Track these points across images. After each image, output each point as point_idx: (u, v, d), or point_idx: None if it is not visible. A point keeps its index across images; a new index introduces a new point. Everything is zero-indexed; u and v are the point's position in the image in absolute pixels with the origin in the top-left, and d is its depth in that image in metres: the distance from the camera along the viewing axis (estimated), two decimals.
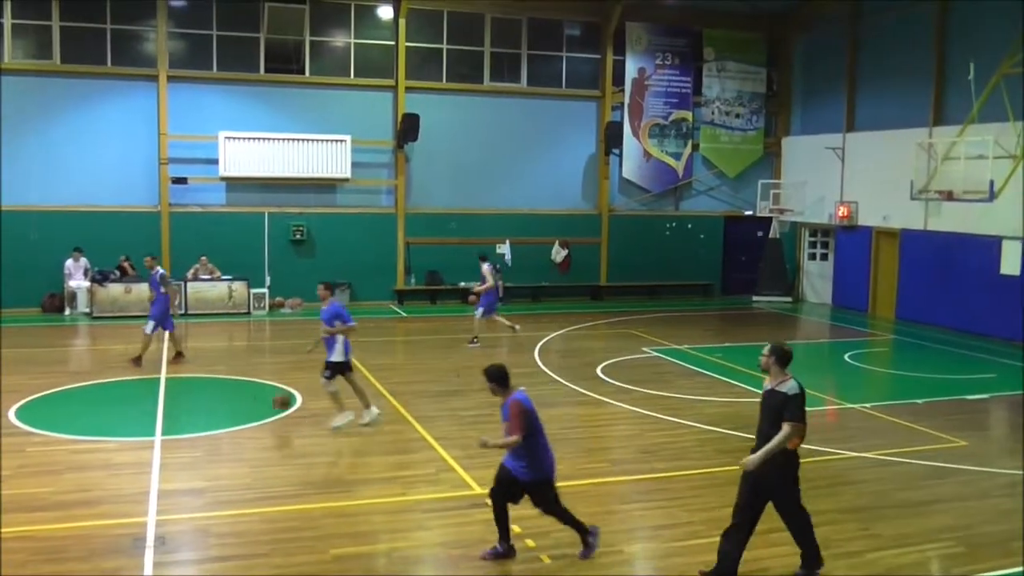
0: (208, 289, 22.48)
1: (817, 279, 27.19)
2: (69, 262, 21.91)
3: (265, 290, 23.19)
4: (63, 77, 22.40)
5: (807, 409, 7.32)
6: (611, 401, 14.08)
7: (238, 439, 11.74)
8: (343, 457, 10.98)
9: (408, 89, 24.62)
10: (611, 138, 26.38)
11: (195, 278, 22.50)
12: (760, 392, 7.59)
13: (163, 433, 11.72)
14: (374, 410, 12.56)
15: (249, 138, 23.16)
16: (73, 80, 22.46)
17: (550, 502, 7.97)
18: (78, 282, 21.89)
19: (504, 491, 7.96)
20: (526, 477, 7.86)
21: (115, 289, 21.71)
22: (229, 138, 22.93)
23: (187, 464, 10.61)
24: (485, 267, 19.36)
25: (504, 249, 25.48)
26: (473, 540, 8.36)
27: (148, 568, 7.69)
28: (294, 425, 12.49)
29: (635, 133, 26.85)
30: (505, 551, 7.98)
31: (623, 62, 26.57)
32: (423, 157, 24.97)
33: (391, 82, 24.61)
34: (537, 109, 26.04)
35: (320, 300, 12.75)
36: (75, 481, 9.93)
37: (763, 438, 7.27)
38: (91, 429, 11.91)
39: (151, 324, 16.21)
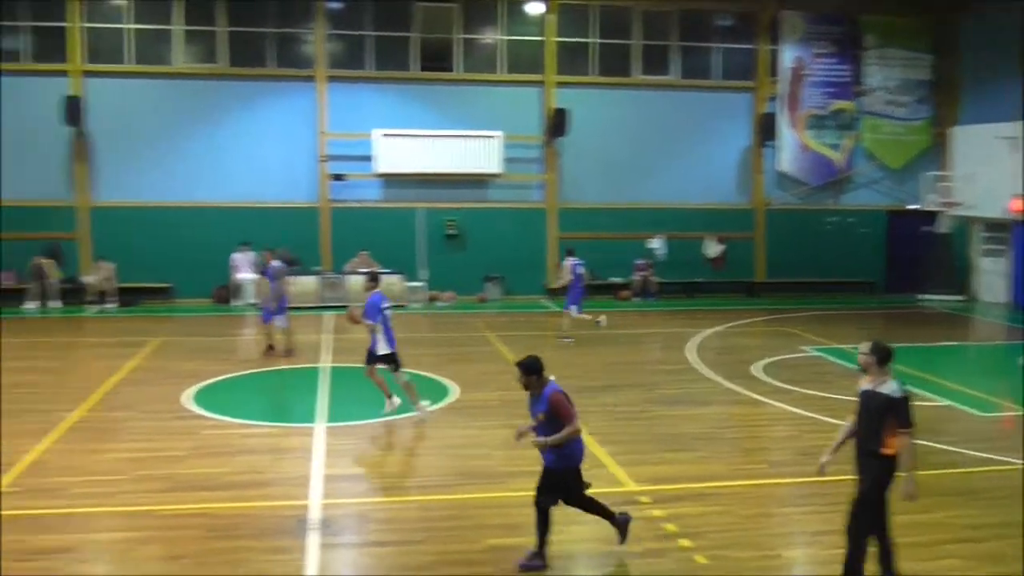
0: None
1: (993, 277, 25.64)
2: (237, 255, 23.03)
3: (421, 283, 23.74)
4: (229, 80, 23.61)
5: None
6: (768, 401, 13.71)
7: (396, 428, 12.05)
8: (497, 449, 11.10)
9: (558, 84, 24.71)
10: (766, 130, 25.73)
11: (354, 271, 23.24)
12: (907, 394, 7.03)
13: (327, 420, 12.15)
14: (396, 400, 12.40)
15: (403, 135, 23.76)
16: (238, 82, 23.64)
17: (574, 491, 7.82)
18: (244, 275, 22.97)
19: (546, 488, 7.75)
20: (554, 465, 7.71)
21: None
22: (384, 135, 23.58)
23: (348, 451, 10.98)
24: (567, 262, 19.09)
25: (656, 244, 25.21)
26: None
27: (312, 549, 7.99)
28: (449, 416, 12.72)
29: (791, 124, 26.09)
30: (534, 561, 7.68)
31: (778, 52, 25.85)
32: (573, 152, 24.99)
33: (540, 77, 24.75)
34: (688, 101, 25.66)
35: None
36: (245, 463, 10.43)
37: (863, 443, 6.90)
38: (259, 414, 12.49)
39: (282, 318, 16.69)
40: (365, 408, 12.85)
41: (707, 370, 15.90)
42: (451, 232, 24.47)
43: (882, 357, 6.90)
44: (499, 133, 24.10)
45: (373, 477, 9.97)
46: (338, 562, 7.92)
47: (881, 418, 6.76)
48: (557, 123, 24.24)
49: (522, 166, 24.91)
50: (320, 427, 11.89)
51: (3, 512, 8.82)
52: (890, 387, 6.80)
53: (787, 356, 17.29)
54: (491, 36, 24.84)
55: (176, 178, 23.44)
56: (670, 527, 8.37)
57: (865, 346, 7.10)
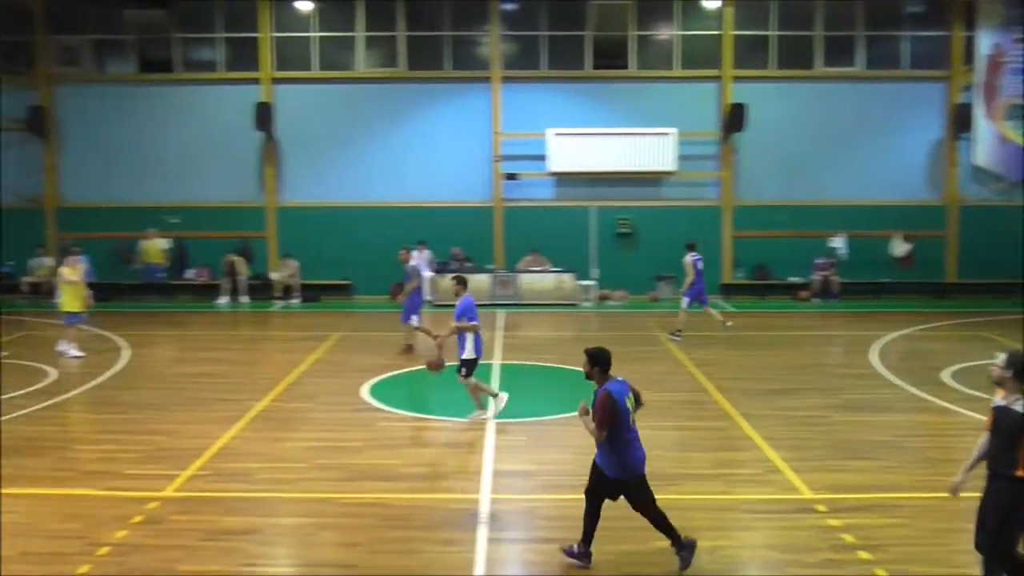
0: (538, 281, 23.32)
1: None
2: (414, 253, 23.64)
3: (592, 282, 23.68)
4: (407, 83, 24.28)
5: None
6: (958, 409, 12.84)
7: (565, 426, 12.01)
8: (667, 451, 10.89)
9: (735, 78, 24.08)
10: (960, 121, 24.19)
11: (526, 270, 23.44)
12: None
13: (496, 416, 12.26)
14: (503, 395, 12.17)
15: (576, 134, 23.75)
16: (415, 85, 24.28)
17: (640, 503, 7.56)
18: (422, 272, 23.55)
19: (596, 488, 7.63)
20: (611, 475, 7.50)
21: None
22: (557, 134, 23.64)
23: (517, 447, 11.04)
24: (688, 258, 18.43)
25: (839, 242, 24.13)
26: (801, 546, 7.97)
27: (481, 543, 8.06)
28: None
29: (988, 115, 24.40)
30: (579, 553, 7.61)
31: (974, 38, 24.23)
32: (750, 148, 24.31)
33: (717, 72, 24.19)
34: (873, 93, 24.44)
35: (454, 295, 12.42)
36: (418, 456, 10.67)
37: (994, 463, 6.35)
38: (432, 409, 12.75)
39: (413, 317, 16.70)
40: (535, 405, 12.89)
41: (891, 375, 15.07)
42: (623, 231, 24.28)
43: (1020, 371, 6.29)
44: (673, 130, 23.71)
45: (542, 474, 9.97)
46: (506, 557, 7.95)
47: (1015, 437, 6.21)
48: (734, 118, 23.64)
49: (697, 163, 24.43)
50: (490, 423, 12.01)
51: (196, 493, 9.36)
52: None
53: (980, 362, 16.15)
54: (666, 32, 24.48)
55: (356, 179, 24.35)
56: (848, 538, 7.97)
57: (1001, 358, 6.46)
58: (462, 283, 12.39)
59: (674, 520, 8.65)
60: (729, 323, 18.76)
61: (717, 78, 24.23)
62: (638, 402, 7.79)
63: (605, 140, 23.87)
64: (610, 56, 24.37)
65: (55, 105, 24.60)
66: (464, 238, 23.90)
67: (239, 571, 7.59)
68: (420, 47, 24.35)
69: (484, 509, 8.85)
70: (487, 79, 24.18)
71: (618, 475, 7.52)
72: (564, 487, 9.54)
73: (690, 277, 18.47)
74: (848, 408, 12.85)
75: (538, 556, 7.88)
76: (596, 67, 24.34)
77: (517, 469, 10.19)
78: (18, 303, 22.70)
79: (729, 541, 8.28)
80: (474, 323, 12.03)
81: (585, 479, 9.80)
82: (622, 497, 7.63)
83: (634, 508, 7.69)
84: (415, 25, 24.23)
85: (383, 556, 7.83)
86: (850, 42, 24.42)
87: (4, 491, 9.47)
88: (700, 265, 18.57)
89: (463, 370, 12.09)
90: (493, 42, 24.15)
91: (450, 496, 9.28)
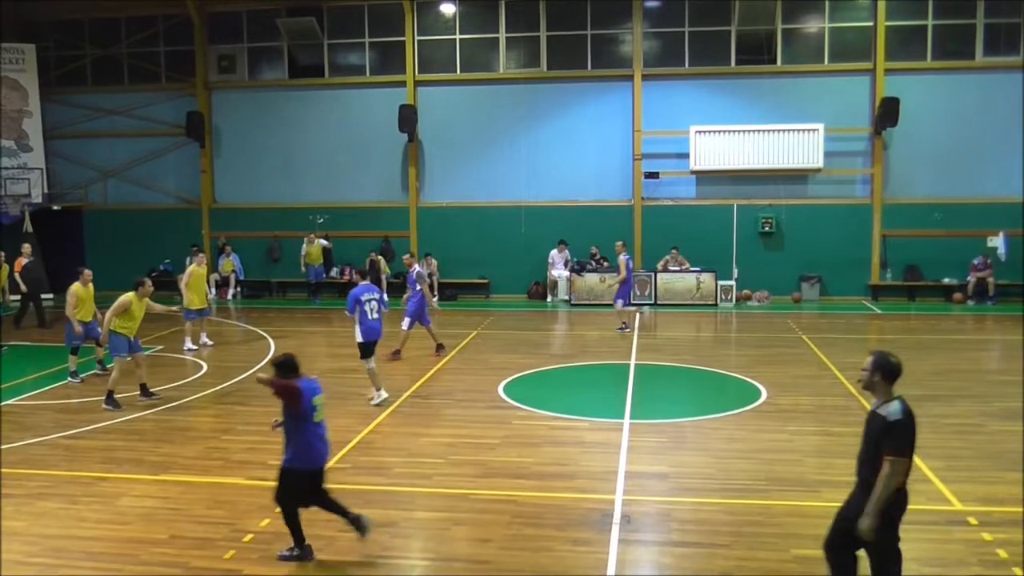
0: (677, 280, 22.97)
1: None
2: (554, 252, 23.71)
3: (732, 282, 23.16)
4: (548, 83, 24.32)
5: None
6: None
7: (702, 428, 11.78)
8: (809, 456, 10.52)
9: (888, 71, 23.07)
10: None
11: (665, 269, 23.12)
12: None
13: (631, 417, 12.13)
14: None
15: (719, 131, 23.27)
16: (556, 85, 24.29)
17: (310, 494, 7.76)
18: (560, 271, 23.59)
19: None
20: (286, 464, 7.67)
21: (591, 278, 23.06)
22: (699, 132, 23.22)
23: (653, 448, 10.87)
24: (622, 258, 19.05)
25: (998, 242, 22.75)
26: (951, 560, 7.54)
27: (614, 544, 7.96)
28: (759, 419, 12.25)
29: None
30: (296, 554, 7.75)
31: None
32: (903, 143, 23.25)
33: (868, 65, 23.24)
34: None
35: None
36: (552, 455, 10.64)
37: (861, 469, 6.06)
38: (567, 408, 12.69)
39: (407, 320, 16.47)
40: (671, 406, 12.68)
41: None
42: (766, 229, 23.63)
43: (885, 373, 5.97)
44: (820, 125, 22.92)
45: (677, 476, 9.78)
46: (639, 559, 7.83)
47: (878, 445, 5.89)
48: (886, 113, 22.64)
49: (845, 160, 23.54)
50: (625, 423, 11.88)
51: (335, 485, 9.59)
52: (890, 409, 5.92)
53: None
54: (815, 24, 23.68)
55: (496, 179, 24.58)
56: (1002, 553, 7.49)
57: (868, 360, 6.11)
58: (362, 275, 13.76)
59: (816, 528, 8.34)
60: (626, 329, 18.98)
61: (869, 71, 23.26)
62: None
63: (749, 137, 23.30)
64: (755, 51, 23.76)
65: (211, 111, 25.83)
66: (602, 237, 23.76)
67: (375, 562, 7.75)
68: (561, 47, 24.36)
69: (618, 510, 8.75)
70: (628, 77, 23.97)
71: (293, 466, 7.68)
72: (700, 491, 9.34)
73: (622, 275, 18.93)
74: (1003, 417, 12.10)
75: (671, 559, 7.73)
76: (740, 62, 23.77)
77: (652, 471, 10.03)
78: (175, 299, 23.85)
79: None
80: (351, 314, 13.03)
81: (725, 482, 9.60)
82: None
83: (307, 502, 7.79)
84: (556, 25, 24.26)
85: (515, 553, 7.84)
86: (1017, 30, 22.98)
87: (159, 477, 9.99)
88: (631, 264, 19.25)
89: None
90: (635, 40, 23.92)
91: (583, 496, 9.21)
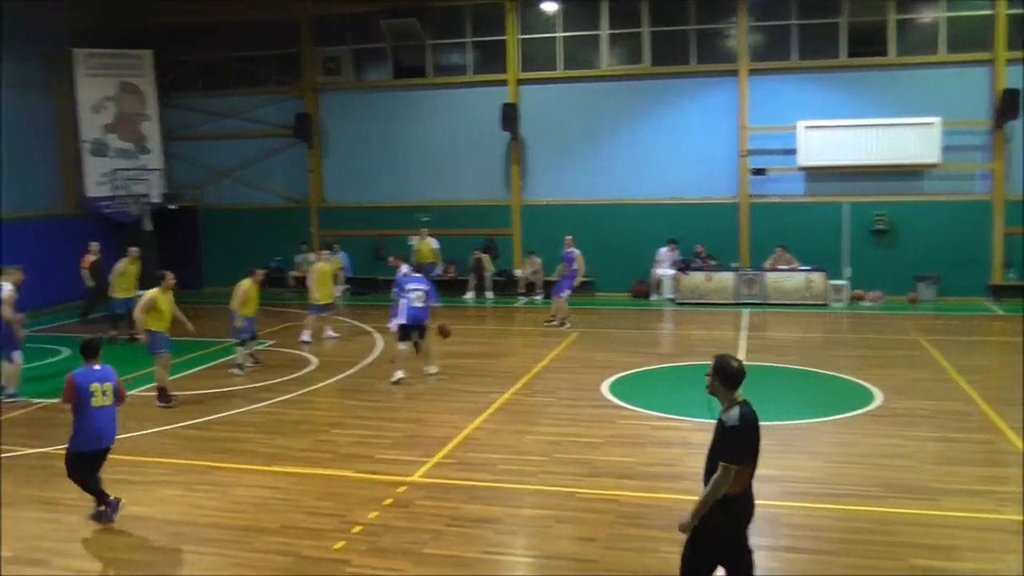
0: (785, 280, 22.45)
1: None
2: (663, 250, 23.44)
3: (844, 282, 22.50)
4: (651, 79, 24.06)
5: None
6: None
7: (812, 431, 11.50)
8: (925, 463, 10.14)
9: (1009, 61, 22.04)
10: None
11: (773, 268, 22.63)
12: None
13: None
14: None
15: (828, 126, 22.61)
16: (660, 81, 24.00)
17: (74, 472, 8.61)
18: (665, 269, 23.33)
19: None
20: (69, 445, 8.64)
21: (696, 277, 22.74)
22: (808, 127, 22.62)
23: (761, 451, 10.60)
24: (576, 251, 19.53)
25: None
26: None
27: None
28: (872, 423, 11.87)
29: None
30: (102, 510, 8.61)
31: None
32: None
33: (988, 55, 22.24)
34: None
35: None
36: (657, 455, 10.53)
37: (706, 476, 5.89)
38: (672, 408, 12.53)
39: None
40: (780, 409, 12.40)
41: None
42: (880, 227, 22.86)
43: (724, 378, 5.88)
44: (936, 119, 22.04)
45: (786, 480, 9.54)
46: None
47: (716, 449, 5.80)
48: (1007, 105, 21.63)
49: (964, 154, 22.59)
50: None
51: (441, 480, 9.69)
52: (729, 415, 5.81)
53: None
54: (929, 14, 22.81)
55: (598, 176, 24.44)
56: None
57: (712, 366, 5.99)
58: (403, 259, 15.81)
59: (935, 538, 8.09)
60: (555, 323, 19.55)
61: (988, 62, 22.29)
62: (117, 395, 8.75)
63: (860, 132, 22.56)
64: (866, 43, 22.99)
65: (318, 112, 26.41)
66: (708, 235, 23.41)
67: (480, 557, 7.79)
68: (664, 42, 24.05)
69: None
70: (734, 72, 23.52)
71: (68, 448, 8.64)
72: (812, 495, 9.11)
73: (574, 268, 19.77)
74: None
75: (780, 564, 7.55)
76: (851, 55, 23.06)
77: (761, 474, 9.66)
78: (285, 296, 24.53)
79: (993, 564, 7.57)
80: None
81: (836, 487, 9.34)
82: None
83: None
84: (659, 20, 23.97)
85: (620, 553, 7.78)
86: None
87: (271, 468, 10.26)
88: (572, 257, 19.91)
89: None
90: (740, 34, 23.45)
91: (689, 497, 8.99)
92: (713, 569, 6.05)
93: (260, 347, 16.93)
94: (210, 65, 27.11)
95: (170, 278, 13.56)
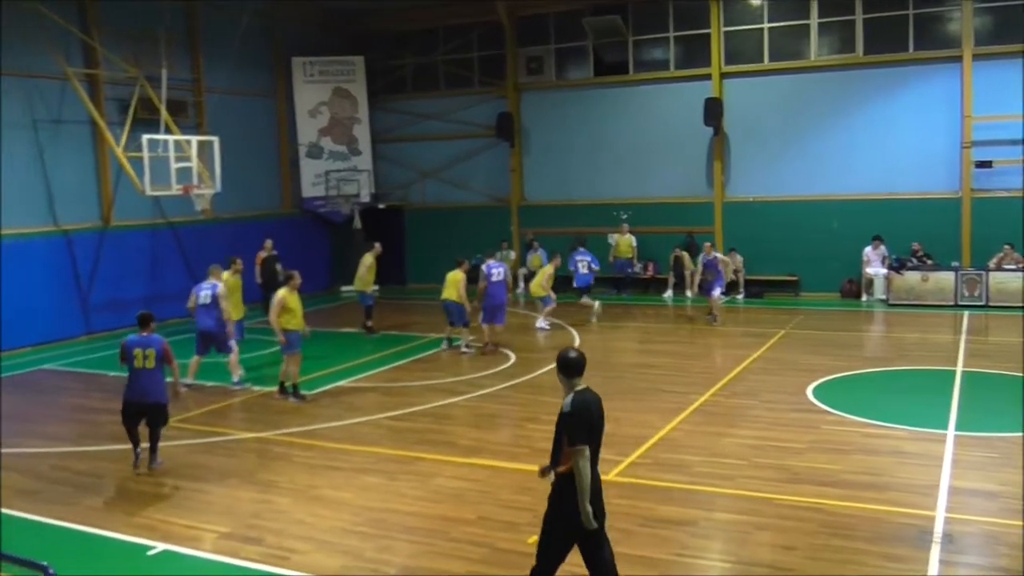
0: (1011, 280, 20.79)
1: None
2: (868, 249, 22.32)
3: None
4: (863, 68, 22.87)
5: None
6: None
7: None
8: None
9: None
10: None
11: (998, 267, 21.03)
12: None
13: (956, 428, 11.15)
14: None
15: None
16: (873, 70, 22.78)
17: (123, 418, 10.41)
18: (875, 269, 22.18)
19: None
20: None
21: (912, 277, 21.47)
22: None
23: (981, 464, 9.91)
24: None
25: None
26: None
27: (934, 564, 7.33)
28: None
29: None
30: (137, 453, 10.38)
31: None
32: None
33: None
34: None
35: None
36: (864, 463, 10.00)
37: (552, 461, 6.32)
38: (882, 414, 11.87)
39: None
40: (1003, 419, 11.51)
41: None
42: None
43: (562, 368, 6.34)
44: None
45: (1008, 496, 8.82)
46: None
47: (560, 435, 6.19)
48: None
49: None
50: (949, 434, 10.92)
51: (636, 480, 9.61)
52: (565, 401, 6.19)
53: None
54: None
55: (805, 171, 23.48)
56: None
57: None
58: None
59: None
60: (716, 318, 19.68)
61: None
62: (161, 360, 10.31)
63: None
64: None
65: (520, 111, 26.81)
66: (924, 232, 22.03)
67: (672, 559, 7.66)
68: (879, 29, 22.77)
69: (939, 528, 8.05)
70: (956, 58, 21.98)
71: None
72: None
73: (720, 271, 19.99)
74: None
75: None
76: None
77: (980, 488, 9.14)
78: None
79: None
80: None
81: None
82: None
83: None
84: (874, 7, 22.73)
85: (822, 564, 7.44)
86: None
87: (469, 460, 10.50)
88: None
89: None
90: (965, 17, 21.86)
91: (899, 509, 8.56)
92: (566, 541, 6.31)
93: (456, 343, 17.40)
94: (417, 69, 28.11)
95: (297, 278, 13.97)
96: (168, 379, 10.54)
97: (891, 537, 7.92)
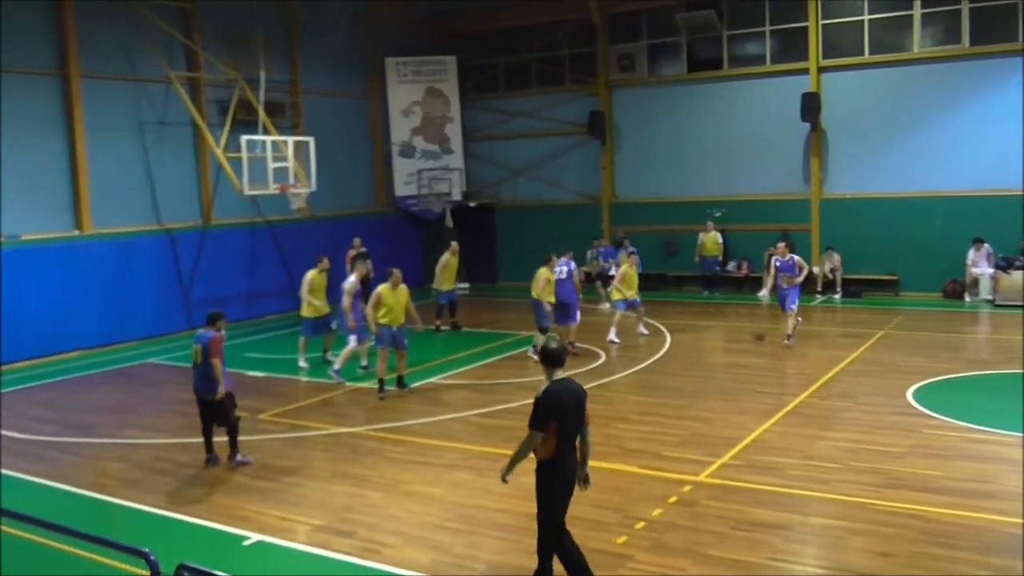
0: None
1: None
2: (971, 252, 21.52)
3: None
4: (970, 60, 22.01)
5: None
6: None
7: None
8: None
9: None
10: None
11: None
12: None
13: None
14: None
15: None
16: (980, 61, 21.88)
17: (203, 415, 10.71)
18: (981, 268, 21.37)
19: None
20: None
21: (1019, 276, 20.62)
22: None
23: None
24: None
25: None
26: None
27: None
28: None
29: None
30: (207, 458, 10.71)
31: None
32: None
33: None
34: None
35: None
36: (967, 469, 9.65)
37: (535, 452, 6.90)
38: (987, 419, 11.43)
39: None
40: None
41: None
42: None
43: (542, 359, 6.90)
44: None
45: None
46: None
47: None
48: None
49: None
50: None
51: (728, 482, 9.45)
52: (541, 388, 6.73)
53: None
54: None
55: (907, 167, 22.72)
56: None
57: None
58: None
59: None
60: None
61: None
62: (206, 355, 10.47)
63: None
64: None
65: (611, 109, 26.64)
66: None
67: (766, 564, 7.51)
68: (987, 18, 21.85)
69: None
70: None
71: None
72: None
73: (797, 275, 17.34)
74: None
75: None
76: None
77: None
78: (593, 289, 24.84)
79: None
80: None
81: None
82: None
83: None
84: None
85: (921, 573, 7.20)
86: None
87: None
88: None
89: None
90: None
91: (1006, 519, 8.22)
92: (554, 527, 6.84)
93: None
94: (509, 67, 28.20)
95: (397, 274, 14.00)
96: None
97: (996, 547, 7.62)
